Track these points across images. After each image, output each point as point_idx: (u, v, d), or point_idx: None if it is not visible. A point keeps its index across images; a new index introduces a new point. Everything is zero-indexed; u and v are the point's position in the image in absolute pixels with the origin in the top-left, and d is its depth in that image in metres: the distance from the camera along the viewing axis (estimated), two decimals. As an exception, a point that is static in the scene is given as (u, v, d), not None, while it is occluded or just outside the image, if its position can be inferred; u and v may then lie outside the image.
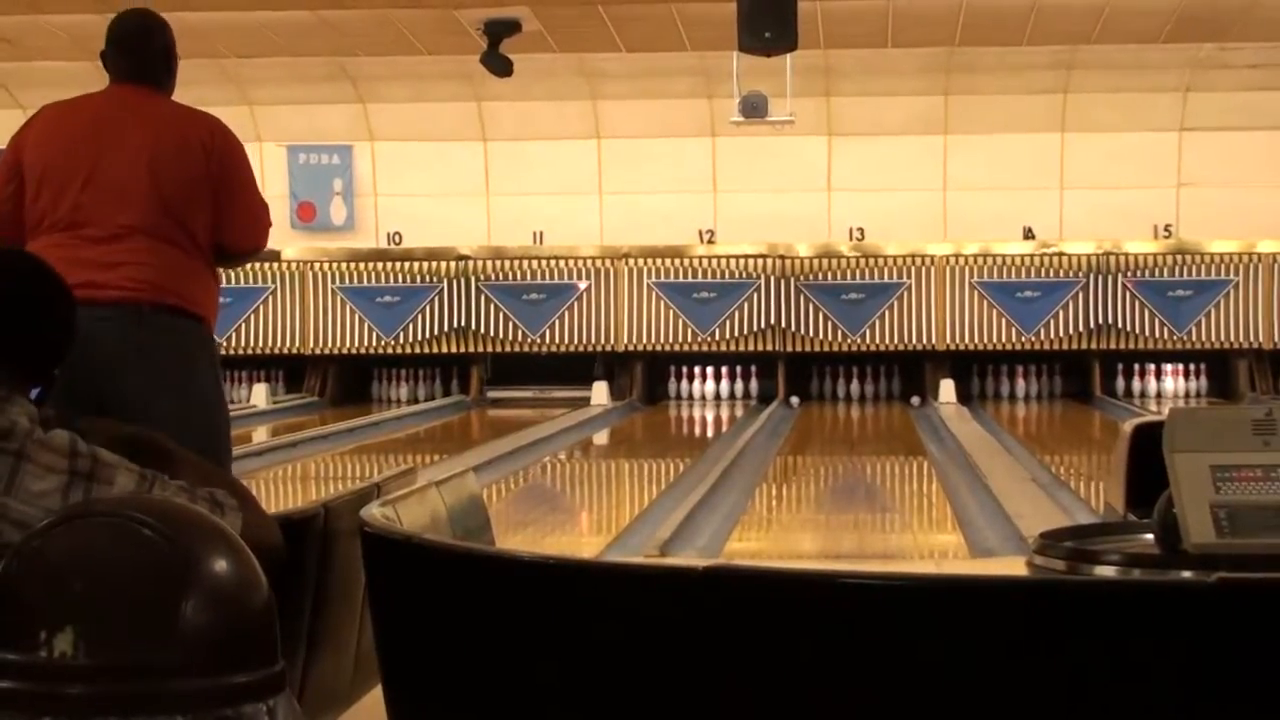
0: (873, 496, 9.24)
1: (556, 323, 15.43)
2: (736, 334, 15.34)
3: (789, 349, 15.33)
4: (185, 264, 3.88)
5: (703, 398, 15.56)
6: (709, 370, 15.70)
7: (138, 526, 1.53)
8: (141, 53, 4.01)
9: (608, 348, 15.44)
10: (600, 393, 15.24)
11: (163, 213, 3.86)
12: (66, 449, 2.23)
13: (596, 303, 15.43)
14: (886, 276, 15.18)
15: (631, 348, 15.46)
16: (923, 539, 7.32)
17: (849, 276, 15.28)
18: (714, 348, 15.43)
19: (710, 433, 13.72)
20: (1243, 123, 14.63)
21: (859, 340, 15.20)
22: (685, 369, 15.71)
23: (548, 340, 15.44)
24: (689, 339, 15.40)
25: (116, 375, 3.70)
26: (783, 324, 15.28)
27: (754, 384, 15.60)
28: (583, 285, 15.45)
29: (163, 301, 3.81)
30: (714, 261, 15.48)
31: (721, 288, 15.39)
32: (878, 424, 14.12)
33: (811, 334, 15.30)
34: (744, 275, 15.38)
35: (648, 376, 15.63)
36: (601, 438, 13.17)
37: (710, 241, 15.59)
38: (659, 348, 15.46)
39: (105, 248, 3.82)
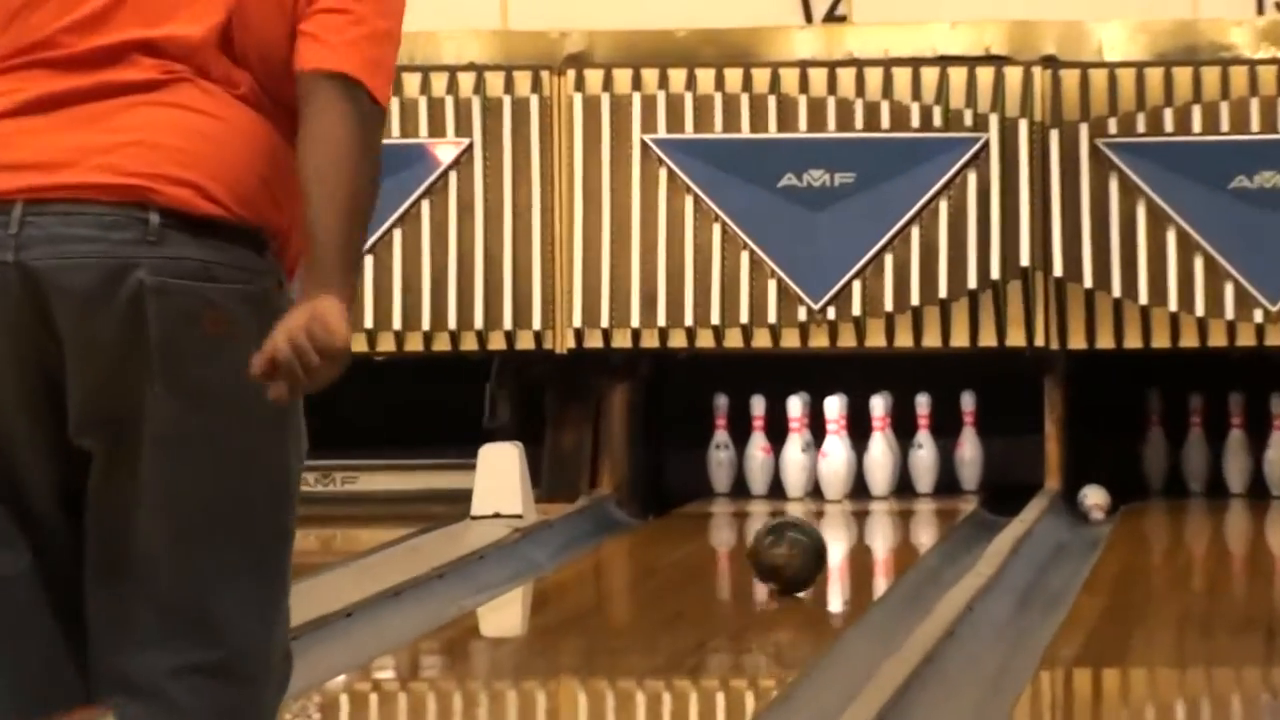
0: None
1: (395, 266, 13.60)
2: (916, 300, 13.21)
3: (1065, 344, 13.17)
4: (258, 139, 4.41)
5: (808, 486, 13.28)
6: (834, 407, 13.31)
7: None
8: None
9: (526, 341, 13.47)
10: (500, 475, 12.88)
11: (230, 33, 4.40)
12: None
13: (492, 208, 13.48)
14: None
15: (617, 341, 13.74)
16: None
17: (1245, 127, 13.48)
18: (843, 343, 13.34)
19: (835, 601, 11.52)
20: None
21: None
22: (759, 399, 13.46)
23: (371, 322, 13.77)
24: (762, 317, 13.30)
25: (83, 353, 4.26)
26: (1053, 268, 13.20)
27: (968, 450, 13.36)
28: (448, 155, 13.60)
29: (191, 207, 4.29)
30: (843, 81, 13.42)
31: (872, 154, 13.25)
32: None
33: (1136, 295, 13.20)
34: (930, 122, 13.40)
35: (644, 423, 13.66)
36: (504, 614, 11.49)
37: (837, 17, 13.90)
38: (676, 339, 13.43)
39: (94, 103, 4.30)
